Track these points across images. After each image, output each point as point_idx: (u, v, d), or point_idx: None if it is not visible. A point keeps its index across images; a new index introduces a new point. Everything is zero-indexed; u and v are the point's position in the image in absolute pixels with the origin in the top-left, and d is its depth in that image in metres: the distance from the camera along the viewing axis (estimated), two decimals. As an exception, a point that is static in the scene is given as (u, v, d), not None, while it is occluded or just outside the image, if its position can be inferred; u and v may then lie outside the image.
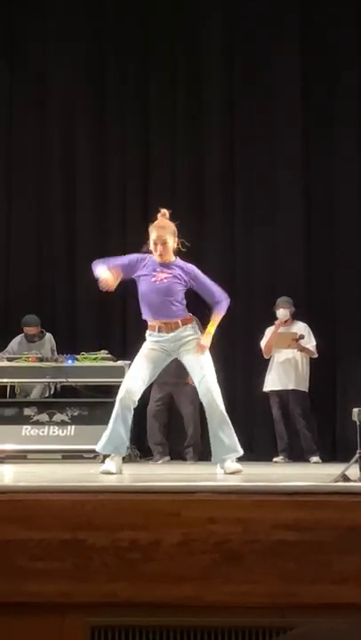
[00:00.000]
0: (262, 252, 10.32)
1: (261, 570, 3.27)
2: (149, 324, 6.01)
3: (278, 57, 10.42)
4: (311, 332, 9.32)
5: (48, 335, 9.80)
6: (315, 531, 3.30)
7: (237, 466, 5.85)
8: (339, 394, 9.84)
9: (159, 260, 5.95)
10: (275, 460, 9.19)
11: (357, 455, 4.87)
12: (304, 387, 9.33)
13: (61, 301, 10.67)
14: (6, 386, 9.39)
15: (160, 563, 3.29)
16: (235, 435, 5.94)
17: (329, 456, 9.25)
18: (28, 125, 10.80)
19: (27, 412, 9.16)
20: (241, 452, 5.95)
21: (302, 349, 9.24)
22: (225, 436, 5.88)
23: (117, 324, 10.41)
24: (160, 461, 8.91)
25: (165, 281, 5.92)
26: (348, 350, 9.85)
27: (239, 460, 5.98)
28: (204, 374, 5.90)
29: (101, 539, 3.31)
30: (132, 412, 5.91)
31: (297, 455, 9.32)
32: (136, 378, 5.93)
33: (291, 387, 9.28)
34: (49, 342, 9.74)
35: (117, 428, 5.86)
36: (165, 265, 5.96)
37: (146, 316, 6.03)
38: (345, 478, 4.29)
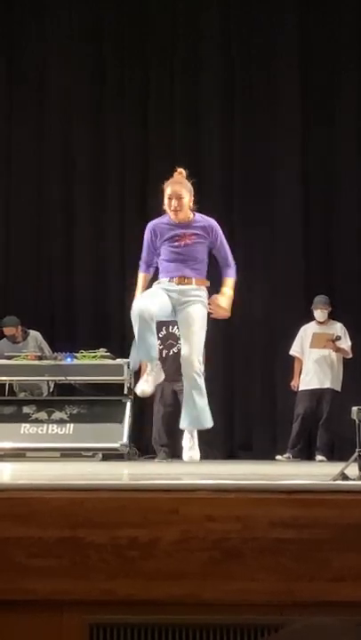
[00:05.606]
0: (262, 250, 10.33)
1: (260, 567, 3.27)
2: (161, 279, 5.61)
3: (277, 54, 10.46)
4: (347, 333, 9.36)
5: (33, 333, 9.73)
6: (314, 529, 3.30)
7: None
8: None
9: (174, 219, 5.49)
10: (278, 457, 9.19)
11: (356, 454, 4.86)
12: (338, 386, 9.37)
13: (60, 300, 10.68)
14: (5, 384, 9.39)
15: (159, 560, 3.29)
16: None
17: (326, 454, 9.28)
18: (27, 124, 10.81)
19: (25, 409, 9.17)
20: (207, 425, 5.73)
21: (338, 350, 9.29)
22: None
23: (116, 322, 10.40)
24: (165, 460, 8.87)
25: (190, 243, 5.51)
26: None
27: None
28: (190, 336, 5.54)
29: (100, 536, 3.31)
30: (155, 324, 5.44)
31: (302, 453, 9.35)
32: (152, 300, 5.45)
33: (327, 385, 9.32)
34: (33, 341, 9.68)
35: (146, 337, 5.39)
36: (185, 224, 5.52)
37: (163, 275, 5.61)
38: (344, 477, 4.29)
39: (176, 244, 5.51)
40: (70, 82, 10.75)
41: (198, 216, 5.61)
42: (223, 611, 3.29)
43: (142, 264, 5.78)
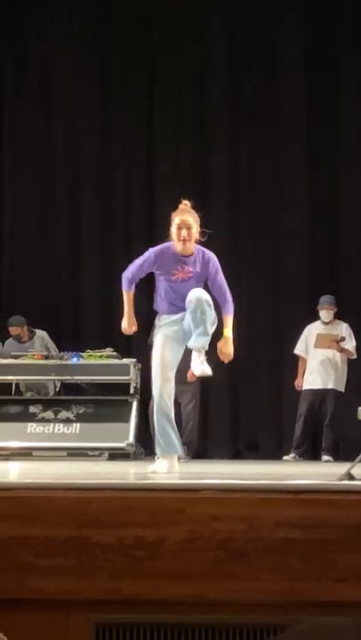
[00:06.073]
0: (267, 250, 10.33)
1: (265, 567, 3.28)
2: (162, 315, 5.73)
3: (278, 54, 10.48)
4: (352, 333, 9.36)
5: (39, 333, 9.72)
6: (319, 529, 3.30)
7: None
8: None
9: (180, 250, 5.56)
10: (285, 458, 9.19)
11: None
12: (341, 386, 9.36)
13: (66, 299, 10.68)
14: (11, 383, 9.40)
15: (164, 560, 3.30)
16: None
17: (332, 454, 9.27)
18: (32, 126, 10.81)
19: (32, 409, 9.18)
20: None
21: (342, 350, 9.29)
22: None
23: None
24: None
25: (187, 278, 5.59)
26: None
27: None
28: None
29: (106, 536, 3.31)
30: (173, 409, 5.65)
31: (306, 453, 9.34)
32: (168, 371, 5.58)
33: (330, 385, 9.31)
34: (39, 340, 9.68)
35: (165, 432, 5.61)
36: (185, 258, 5.59)
37: (161, 308, 5.75)
38: (350, 477, 4.29)
39: (173, 278, 5.60)
40: (71, 82, 10.75)
41: (198, 249, 5.66)
42: (228, 610, 3.29)
43: (127, 282, 5.87)
